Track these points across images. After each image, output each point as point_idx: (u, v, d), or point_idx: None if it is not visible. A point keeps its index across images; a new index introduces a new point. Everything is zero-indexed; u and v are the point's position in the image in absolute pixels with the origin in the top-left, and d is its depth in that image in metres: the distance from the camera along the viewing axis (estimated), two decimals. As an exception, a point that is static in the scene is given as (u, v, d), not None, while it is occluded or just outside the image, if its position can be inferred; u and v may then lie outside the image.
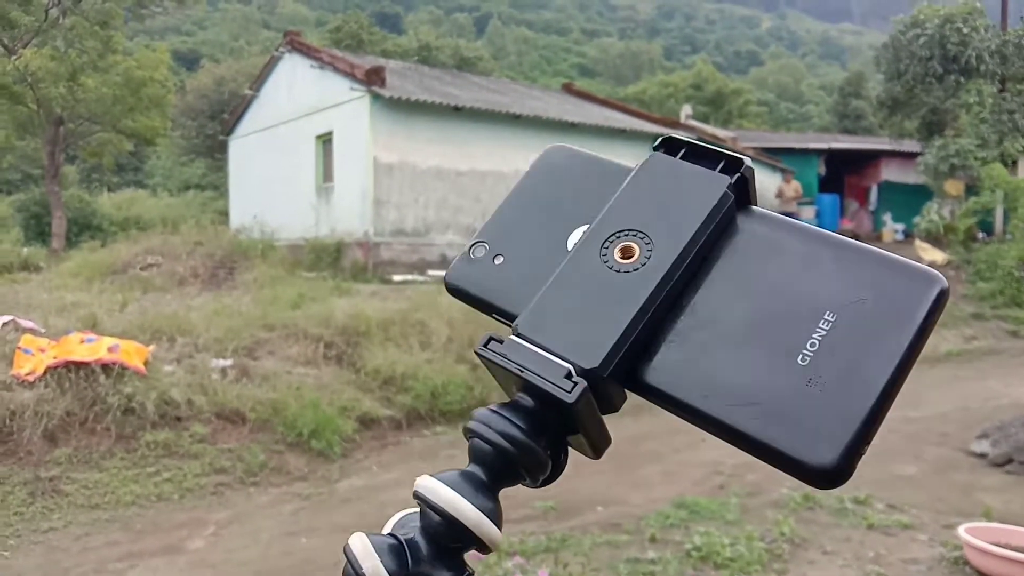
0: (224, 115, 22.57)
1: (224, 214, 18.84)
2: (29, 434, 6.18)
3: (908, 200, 18.66)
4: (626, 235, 0.38)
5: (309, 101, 14.84)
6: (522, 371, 0.36)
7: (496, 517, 0.36)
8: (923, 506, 5.56)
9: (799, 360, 0.35)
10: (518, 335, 0.38)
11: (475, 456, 0.37)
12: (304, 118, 15.05)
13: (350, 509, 5.59)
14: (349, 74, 13.32)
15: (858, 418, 0.33)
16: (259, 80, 17.40)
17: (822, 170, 20.30)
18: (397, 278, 12.51)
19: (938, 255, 15.01)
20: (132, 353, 6.81)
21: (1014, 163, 16.86)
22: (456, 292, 0.43)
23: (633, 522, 5.29)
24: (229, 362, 7.35)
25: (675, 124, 17.68)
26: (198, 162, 30.07)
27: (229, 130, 18.82)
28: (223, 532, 5.31)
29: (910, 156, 19.16)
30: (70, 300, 8.92)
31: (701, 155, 0.40)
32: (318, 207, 14.53)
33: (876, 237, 18.83)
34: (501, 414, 0.37)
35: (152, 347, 7.20)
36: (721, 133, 19.25)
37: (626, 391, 0.39)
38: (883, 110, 19.17)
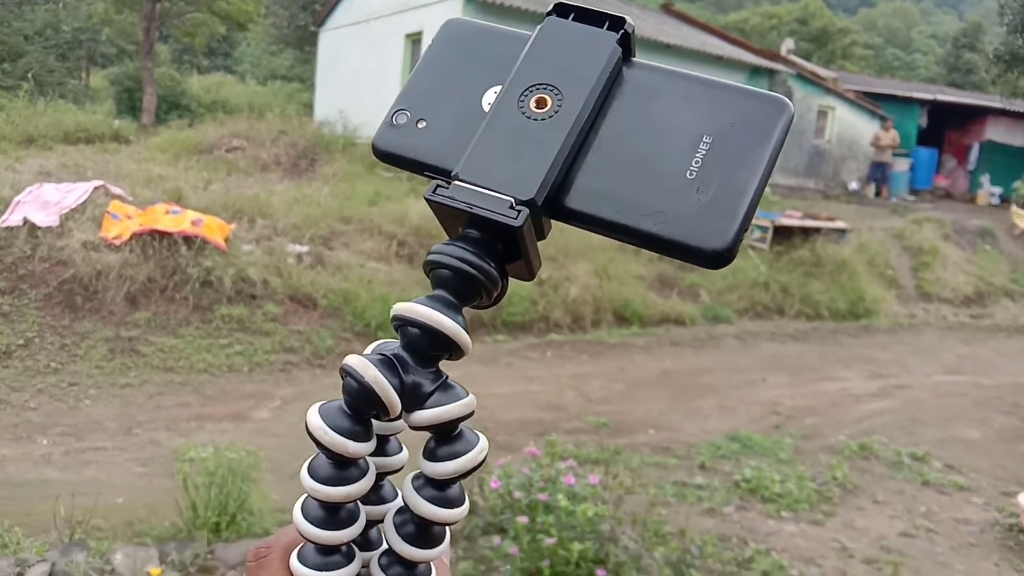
0: (317, 6, 22.47)
1: (308, 107, 18.95)
2: (113, 295, 6.47)
3: (1010, 163, 17.68)
4: (538, 89, 0.45)
5: (402, -2, 14.66)
6: (471, 207, 0.42)
7: (467, 329, 0.42)
8: (983, 471, 5.45)
9: (687, 175, 0.42)
10: (460, 180, 0.43)
11: (438, 283, 0.43)
12: (396, 15, 14.87)
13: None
14: (445, -26, 13.07)
15: (738, 214, 0.41)
16: (354, -27, 17.21)
17: (923, 122, 19.27)
18: (473, 187, 12.48)
19: (1035, 223, 14.30)
20: (214, 228, 7.01)
21: None
22: (386, 157, 0.47)
23: (684, 448, 5.32)
24: (305, 248, 7.52)
25: (775, 56, 16.89)
26: (286, 52, 30.14)
27: (320, 22, 18.73)
28: (288, 407, 5.53)
29: (1020, 117, 18.07)
30: (157, 173, 9.18)
31: (589, 17, 0.47)
32: (401, 108, 14.51)
33: (970, 199, 17.98)
34: (456, 244, 0.42)
35: (233, 225, 7.40)
36: (822, 71, 18.36)
37: (552, 221, 0.45)
38: (999, 65, 18.03)
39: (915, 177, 17.88)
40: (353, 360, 0.40)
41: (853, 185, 17.00)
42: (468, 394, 0.42)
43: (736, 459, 5.15)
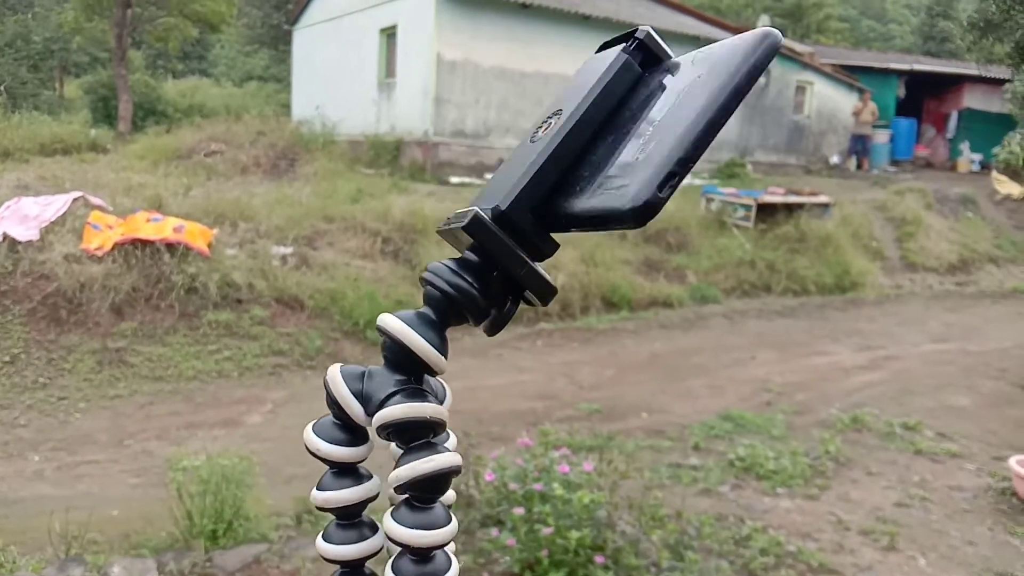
0: (289, 5, 22.30)
1: (286, 107, 18.84)
2: (97, 306, 6.42)
3: (989, 130, 17.75)
4: (551, 117, 0.45)
5: (375, -7, 14.57)
6: (448, 224, 0.43)
7: (441, 347, 0.42)
8: (974, 437, 5.50)
9: (641, 150, 0.39)
10: (470, 206, 0.44)
11: (426, 300, 0.44)
12: (369, 10, 14.78)
13: (401, 398, 5.74)
14: (417, -34, 12.99)
15: (654, 163, 0.37)
16: (325, -31, 17.07)
17: (901, 92, 19.34)
18: (455, 180, 12.44)
19: (1015, 188, 14.40)
20: (196, 234, 6.97)
21: (1110, 95, 15.86)
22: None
23: (677, 430, 5.34)
24: (289, 250, 7.48)
25: (750, 36, 16.91)
26: (262, 53, 29.96)
27: (294, 20, 18.59)
28: (280, 410, 5.51)
29: (997, 83, 18.08)
30: (136, 181, 9.10)
31: (619, 41, 0.46)
32: (379, 103, 14.43)
33: (951, 167, 18.07)
34: (447, 265, 0.43)
35: (216, 230, 7.35)
36: (798, 47, 18.37)
37: (555, 240, 0.44)
38: (973, 32, 18.00)
39: (895, 148, 17.97)
40: (329, 370, 0.43)
41: (834, 159, 17.07)
42: (439, 402, 0.43)
43: (729, 438, 5.17)
